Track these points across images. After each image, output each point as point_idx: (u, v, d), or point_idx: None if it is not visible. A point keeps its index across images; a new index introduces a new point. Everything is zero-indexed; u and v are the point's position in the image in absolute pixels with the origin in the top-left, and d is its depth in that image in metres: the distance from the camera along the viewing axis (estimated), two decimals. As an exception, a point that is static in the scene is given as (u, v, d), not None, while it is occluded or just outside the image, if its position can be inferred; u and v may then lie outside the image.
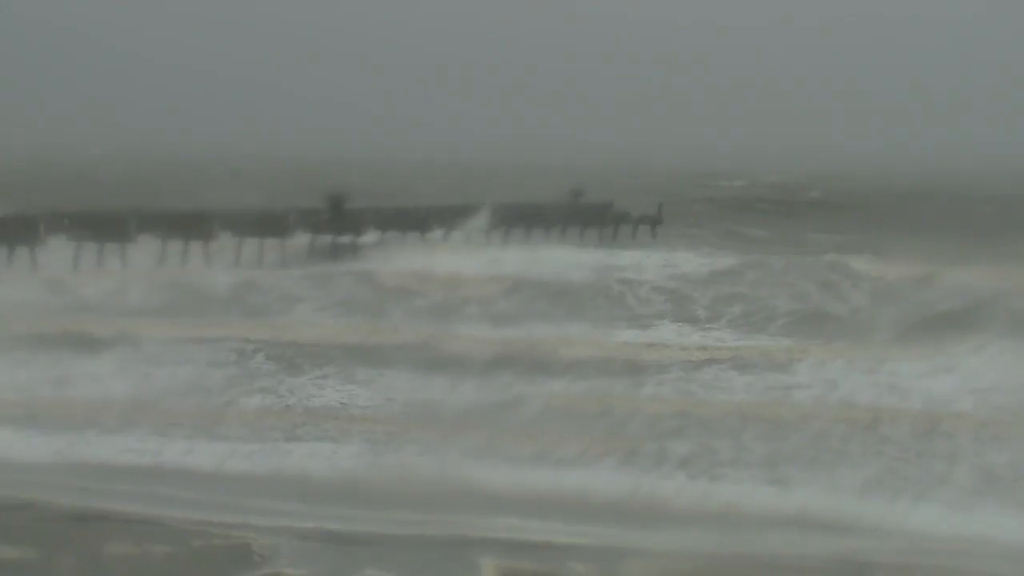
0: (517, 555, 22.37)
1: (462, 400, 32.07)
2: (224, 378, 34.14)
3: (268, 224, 57.06)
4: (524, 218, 63.57)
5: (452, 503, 25.30)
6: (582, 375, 33.88)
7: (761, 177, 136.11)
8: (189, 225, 55.43)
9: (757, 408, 31.32)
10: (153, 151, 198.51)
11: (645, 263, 49.09)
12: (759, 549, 23.00)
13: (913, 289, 42.79)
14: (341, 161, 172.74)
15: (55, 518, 24.08)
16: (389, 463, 28.02)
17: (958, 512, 25.07)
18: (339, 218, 58.25)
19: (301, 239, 56.09)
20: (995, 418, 29.72)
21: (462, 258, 50.14)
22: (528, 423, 30.55)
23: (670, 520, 24.60)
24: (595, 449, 28.40)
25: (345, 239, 56.35)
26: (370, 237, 56.79)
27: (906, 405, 31.28)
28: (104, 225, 53.51)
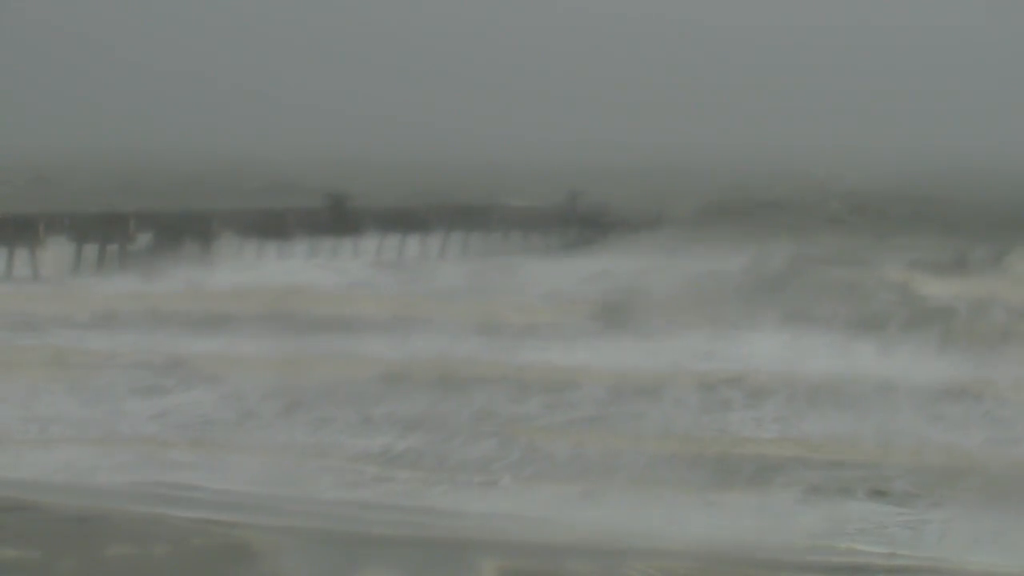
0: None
1: None
2: None
3: (268, 223, 57.09)
4: (521, 222, 63.29)
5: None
6: None
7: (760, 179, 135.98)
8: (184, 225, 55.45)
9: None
10: (150, 151, 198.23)
11: None
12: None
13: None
14: (340, 162, 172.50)
15: (56, 518, 24.06)
16: None
17: None
18: (340, 217, 58.30)
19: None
20: None
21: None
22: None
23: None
24: None
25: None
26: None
27: None
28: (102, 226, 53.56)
